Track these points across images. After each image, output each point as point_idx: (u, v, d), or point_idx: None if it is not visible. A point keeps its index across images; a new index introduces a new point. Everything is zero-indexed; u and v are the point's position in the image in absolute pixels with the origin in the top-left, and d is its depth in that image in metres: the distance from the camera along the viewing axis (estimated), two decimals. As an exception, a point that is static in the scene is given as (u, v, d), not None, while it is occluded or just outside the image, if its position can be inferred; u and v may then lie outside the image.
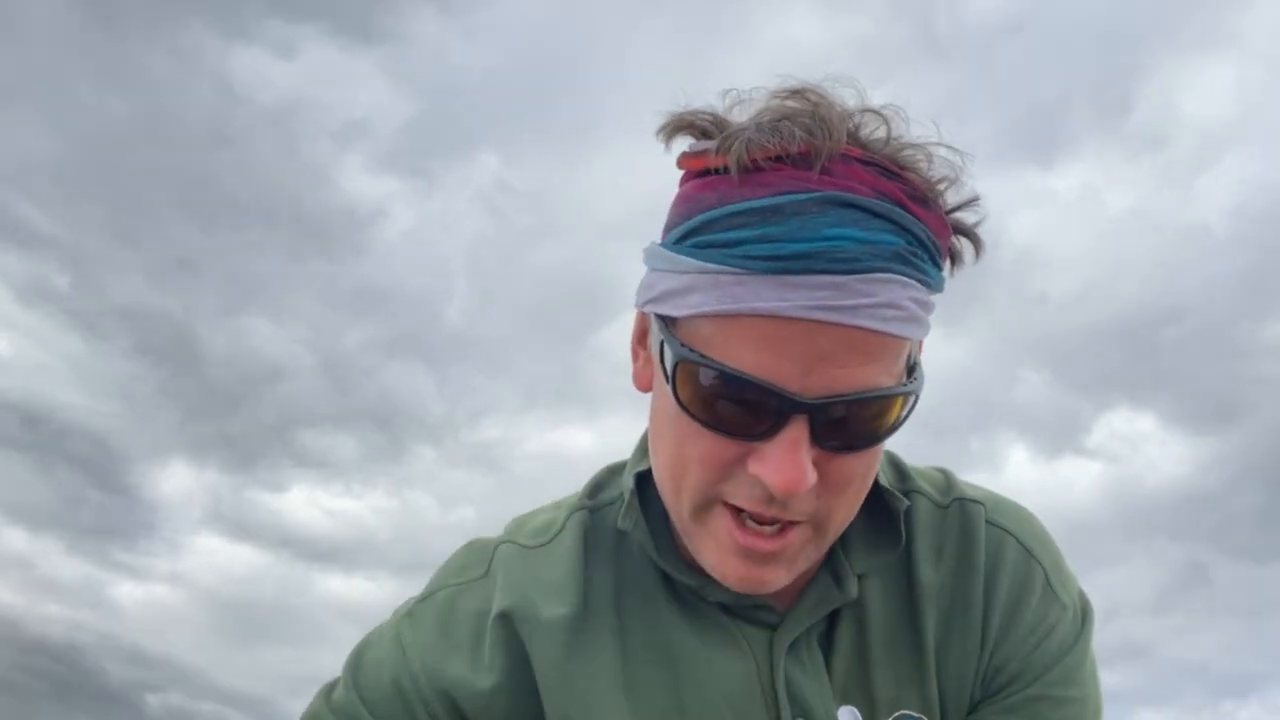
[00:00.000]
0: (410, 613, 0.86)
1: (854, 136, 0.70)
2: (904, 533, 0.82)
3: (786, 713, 0.79)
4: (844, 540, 0.81)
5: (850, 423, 0.70)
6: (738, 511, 0.73)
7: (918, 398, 0.73)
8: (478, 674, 0.82)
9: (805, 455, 0.68)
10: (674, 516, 0.78)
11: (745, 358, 0.68)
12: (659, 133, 0.76)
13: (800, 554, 0.75)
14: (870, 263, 0.67)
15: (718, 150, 0.70)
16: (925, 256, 0.71)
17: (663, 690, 0.81)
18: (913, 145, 0.72)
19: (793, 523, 0.73)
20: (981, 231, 0.76)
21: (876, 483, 0.80)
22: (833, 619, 0.83)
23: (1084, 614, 0.87)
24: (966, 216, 0.75)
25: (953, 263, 0.76)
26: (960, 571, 0.84)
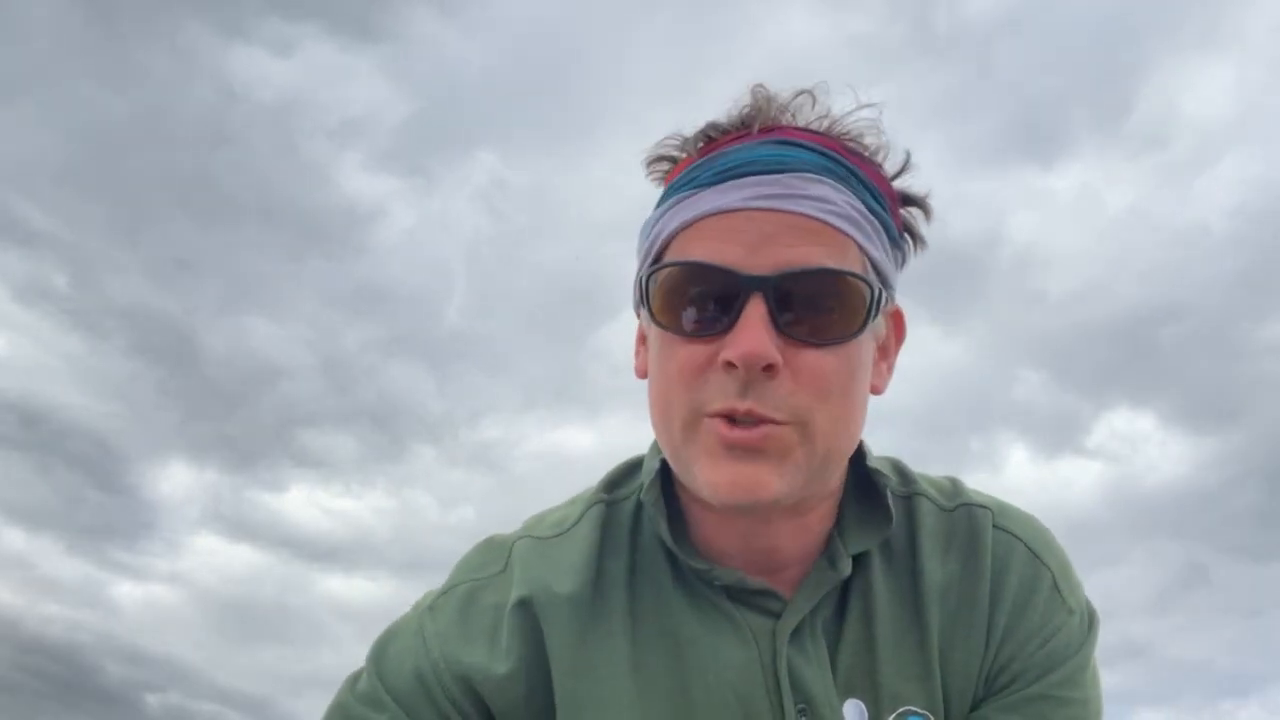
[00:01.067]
0: (432, 606, 0.89)
1: (793, 117, 0.81)
2: (893, 511, 0.85)
3: (789, 700, 0.81)
4: (839, 524, 0.85)
5: (807, 306, 0.75)
6: (721, 420, 0.76)
7: (878, 300, 0.78)
8: (494, 660, 0.84)
9: (764, 328, 0.73)
10: (669, 450, 0.81)
11: (698, 250, 0.77)
12: (649, 176, 0.87)
13: (789, 458, 0.76)
14: (799, 167, 0.77)
15: (681, 149, 0.83)
16: (862, 187, 0.79)
17: (669, 676, 0.83)
18: (846, 124, 0.82)
19: (776, 423, 0.75)
20: (939, 207, 0.85)
21: (864, 464, 0.85)
22: (841, 614, 0.85)
23: (1090, 620, 0.88)
24: (911, 185, 0.84)
25: (913, 238, 0.84)
26: (966, 573, 0.86)
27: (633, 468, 0.94)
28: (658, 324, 0.78)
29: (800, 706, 0.81)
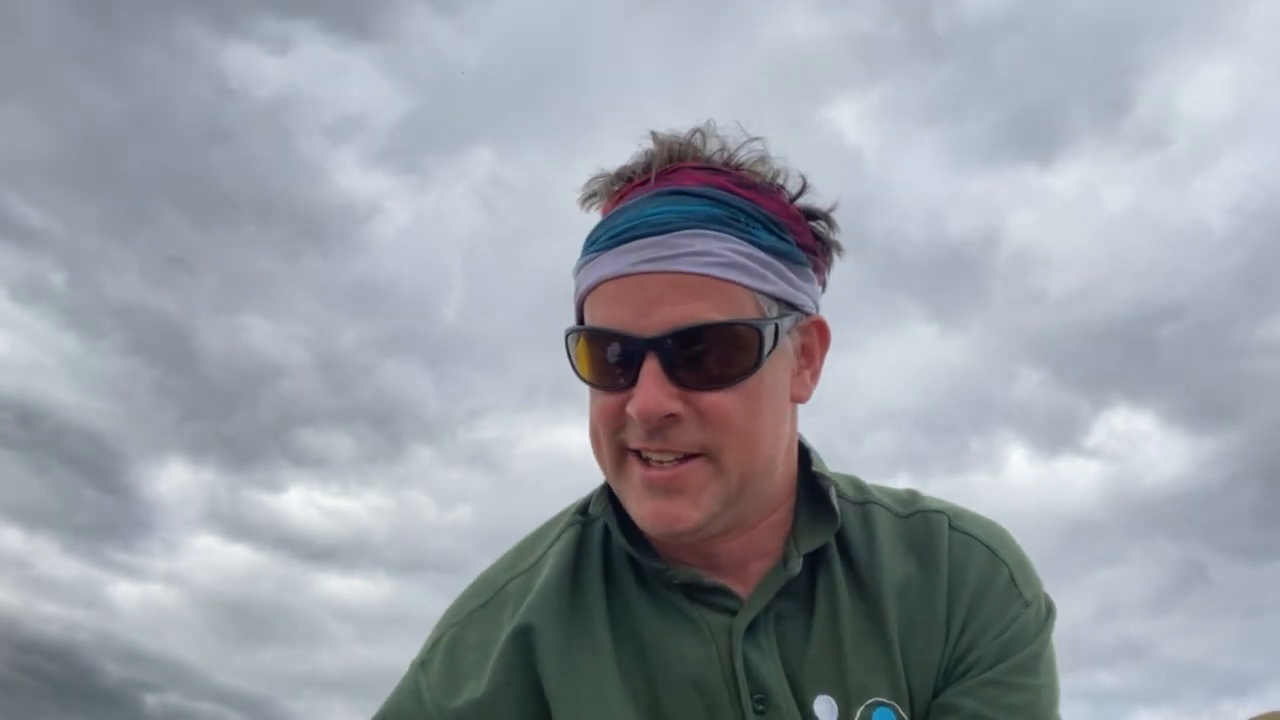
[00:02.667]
0: (423, 662, 0.95)
1: (693, 153, 0.89)
2: (837, 508, 0.93)
3: (745, 692, 0.87)
4: (793, 530, 0.93)
5: (698, 357, 0.82)
6: (642, 459, 0.86)
7: (766, 338, 0.85)
8: (479, 687, 0.90)
9: (658, 384, 0.82)
10: (610, 481, 0.91)
11: (599, 315, 0.85)
12: (586, 209, 0.95)
13: (705, 492, 0.85)
14: (684, 225, 0.84)
15: (604, 190, 0.92)
16: (754, 223, 0.86)
17: (640, 672, 0.90)
18: (740, 157, 0.89)
19: (689, 457, 0.84)
20: (837, 214, 0.94)
21: (810, 470, 0.95)
22: (809, 613, 0.91)
23: (1047, 612, 0.94)
24: (816, 202, 0.92)
25: (825, 245, 0.93)
26: (924, 571, 0.92)
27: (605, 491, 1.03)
28: (580, 378, 0.88)
29: (757, 698, 0.87)
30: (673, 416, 0.82)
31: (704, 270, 0.82)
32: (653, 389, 0.81)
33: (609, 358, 0.84)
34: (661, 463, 0.84)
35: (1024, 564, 0.95)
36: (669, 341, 0.81)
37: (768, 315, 0.85)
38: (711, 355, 0.82)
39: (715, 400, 0.83)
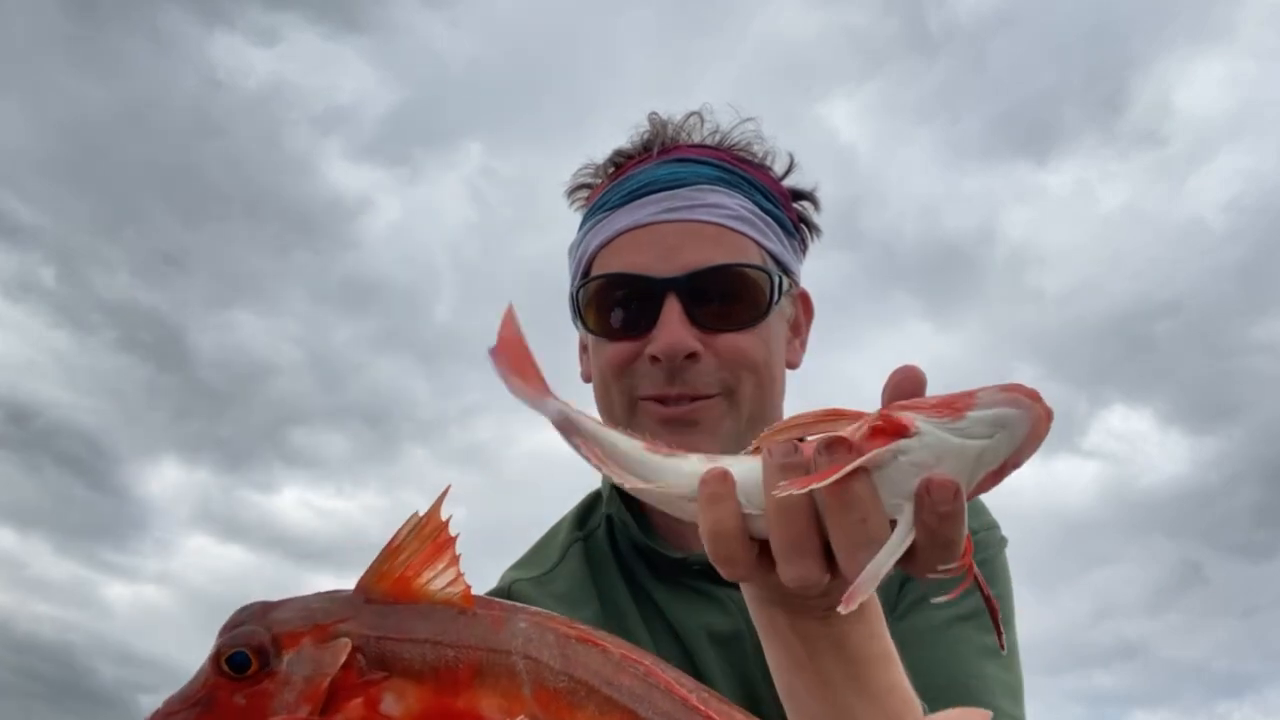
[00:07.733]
0: None
1: (689, 134, 0.94)
2: None
3: None
4: None
5: (716, 299, 0.87)
6: (656, 402, 0.88)
7: (779, 285, 0.90)
8: None
9: (681, 322, 0.85)
10: None
11: (617, 264, 0.90)
12: (571, 205, 1.00)
13: (721, 426, 0.88)
14: (696, 181, 0.90)
15: (595, 176, 0.98)
16: (755, 190, 0.91)
17: (681, 661, 0.92)
18: (734, 137, 0.94)
19: (705, 397, 0.88)
20: (821, 197, 0.99)
21: None
22: None
23: (998, 540, 0.99)
24: (800, 182, 0.97)
25: (809, 227, 0.98)
26: None
27: (597, 498, 1.05)
28: (590, 330, 0.91)
29: None
30: (692, 356, 0.86)
31: (719, 220, 0.88)
32: (677, 326, 0.85)
33: (627, 303, 0.88)
34: (679, 400, 0.88)
35: (974, 502, 0.98)
36: (689, 282, 0.86)
37: (772, 270, 0.91)
38: (727, 297, 0.87)
39: (732, 339, 0.88)
